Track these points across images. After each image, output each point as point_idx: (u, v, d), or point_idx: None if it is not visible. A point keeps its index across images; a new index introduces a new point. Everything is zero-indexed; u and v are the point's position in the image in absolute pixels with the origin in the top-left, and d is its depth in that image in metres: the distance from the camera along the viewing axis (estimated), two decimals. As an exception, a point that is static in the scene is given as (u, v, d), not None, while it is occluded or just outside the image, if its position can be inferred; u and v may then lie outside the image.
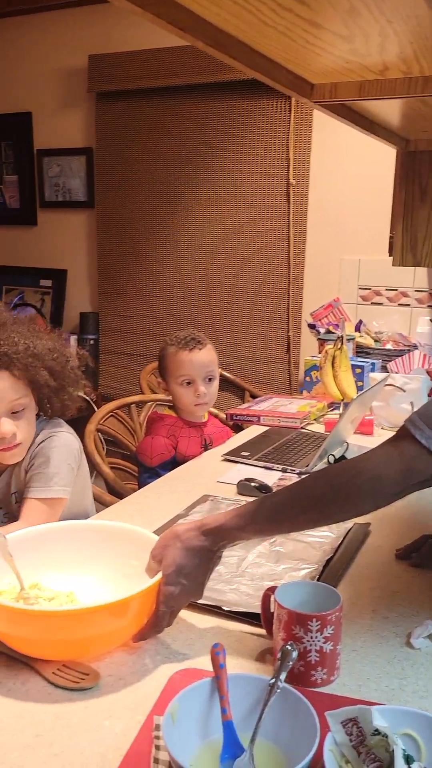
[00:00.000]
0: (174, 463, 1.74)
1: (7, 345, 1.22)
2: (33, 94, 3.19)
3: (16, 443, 1.25)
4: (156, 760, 0.69)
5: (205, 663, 0.89)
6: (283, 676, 0.74)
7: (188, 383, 1.74)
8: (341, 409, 2.10)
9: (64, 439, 1.35)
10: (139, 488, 1.61)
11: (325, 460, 1.61)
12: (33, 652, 0.88)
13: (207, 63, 2.67)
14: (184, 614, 1.01)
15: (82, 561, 1.05)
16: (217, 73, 2.67)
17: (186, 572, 0.91)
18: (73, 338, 3.13)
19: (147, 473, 1.74)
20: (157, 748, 0.71)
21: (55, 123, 3.17)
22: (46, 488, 1.29)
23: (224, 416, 2.11)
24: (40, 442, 1.33)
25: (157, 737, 0.73)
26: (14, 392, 1.23)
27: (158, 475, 1.66)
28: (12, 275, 3.42)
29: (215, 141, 2.82)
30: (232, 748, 0.67)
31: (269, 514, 0.92)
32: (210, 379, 1.77)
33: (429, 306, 2.64)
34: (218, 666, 0.75)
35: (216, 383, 1.80)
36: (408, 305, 2.66)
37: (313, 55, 0.99)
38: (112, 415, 2.07)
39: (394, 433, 0.94)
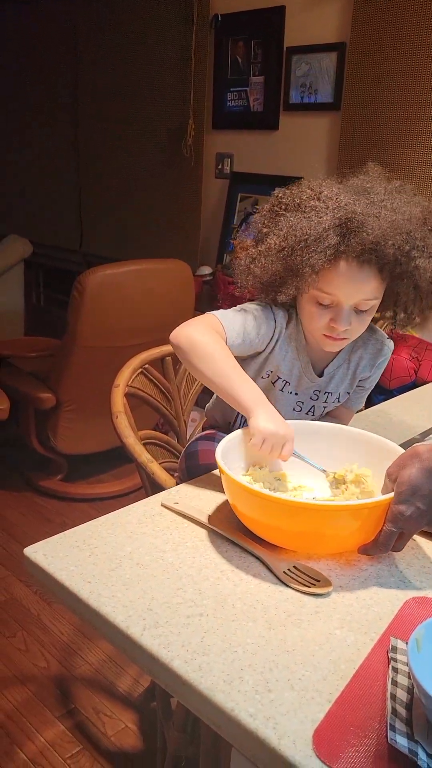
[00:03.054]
0: (413, 387, 1.65)
1: None
2: (288, -15, 3.03)
3: None
4: (394, 682, 0.66)
5: (442, 595, 0.84)
6: None
7: None
8: None
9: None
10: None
11: None
12: (264, 534, 0.92)
13: None
14: (423, 542, 0.96)
15: (326, 462, 1.06)
16: None
17: (422, 494, 0.85)
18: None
19: (381, 395, 1.67)
20: (395, 670, 0.68)
21: (309, 16, 2.99)
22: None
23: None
24: None
25: (394, 659, 0.70)
26: None
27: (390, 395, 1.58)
28: (248, 183, 3.41)
29: None
30: None
31: None
32: None
33: None
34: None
35: None
36: None
37: None
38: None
39: None
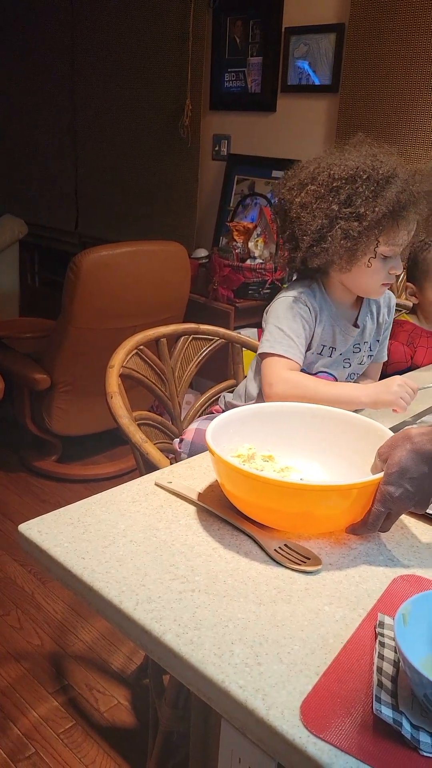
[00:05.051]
0: (408, 372, 1.66)
1: None
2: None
3: None
4: (381, 656, 0.68)
5: (429, 572, 0.86)
6: None
7: None
8: None
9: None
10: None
11: None
12: (253, 513, 0.93)
13: None
14: (411, 522, 0.97)
15: (314, 444, 1.07)
16: None
17: (410, 477, 0.86)
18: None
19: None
20: (381, 644, 0.70)
21: (307, -3, 2.97)
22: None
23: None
24: None
25: (381, 634, 0.72)
26: None
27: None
28: (245, 165, 3.40)
29: None
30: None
31: None
32: None
33: None
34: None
35: None
36: None
37: None
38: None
39: None
